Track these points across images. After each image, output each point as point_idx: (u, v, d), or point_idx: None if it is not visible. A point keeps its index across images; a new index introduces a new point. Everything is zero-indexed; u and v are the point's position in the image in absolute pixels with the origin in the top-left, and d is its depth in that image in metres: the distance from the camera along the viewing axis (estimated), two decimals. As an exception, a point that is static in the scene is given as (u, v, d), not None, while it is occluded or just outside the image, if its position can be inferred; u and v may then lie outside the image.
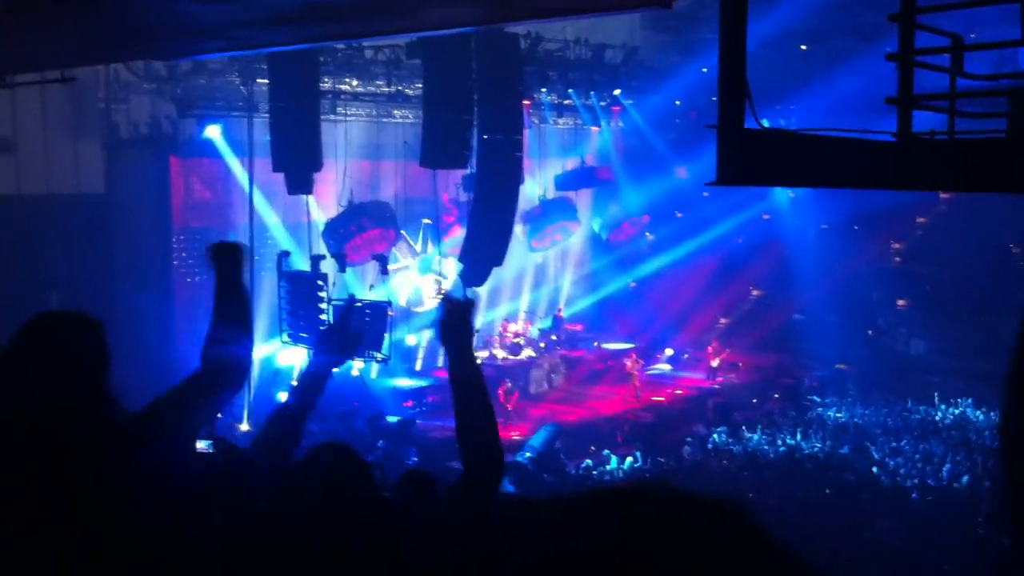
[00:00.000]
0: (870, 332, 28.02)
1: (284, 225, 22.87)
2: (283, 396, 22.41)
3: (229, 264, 4.10)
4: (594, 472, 19.04)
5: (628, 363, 25.49)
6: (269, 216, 22.93)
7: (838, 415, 22.52)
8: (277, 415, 4.00)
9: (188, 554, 2.77)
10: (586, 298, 30.55)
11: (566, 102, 25.56)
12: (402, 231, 24.21)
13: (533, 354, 27.10)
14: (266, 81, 18.50)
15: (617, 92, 25.50)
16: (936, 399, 22.74)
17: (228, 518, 3.19)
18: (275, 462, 3.64)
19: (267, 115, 18.29)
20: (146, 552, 2.70)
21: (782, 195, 27.68)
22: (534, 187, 25.98)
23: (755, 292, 30.11)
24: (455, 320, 3.70)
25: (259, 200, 21.52)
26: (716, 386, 26.24)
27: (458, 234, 23.68)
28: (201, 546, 2.83)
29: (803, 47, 21.52)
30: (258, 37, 7.10)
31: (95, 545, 2.64)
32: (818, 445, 20.04)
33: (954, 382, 23.50)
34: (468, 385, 3.65)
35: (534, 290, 30.00)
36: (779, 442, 20.38)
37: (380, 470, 3.23)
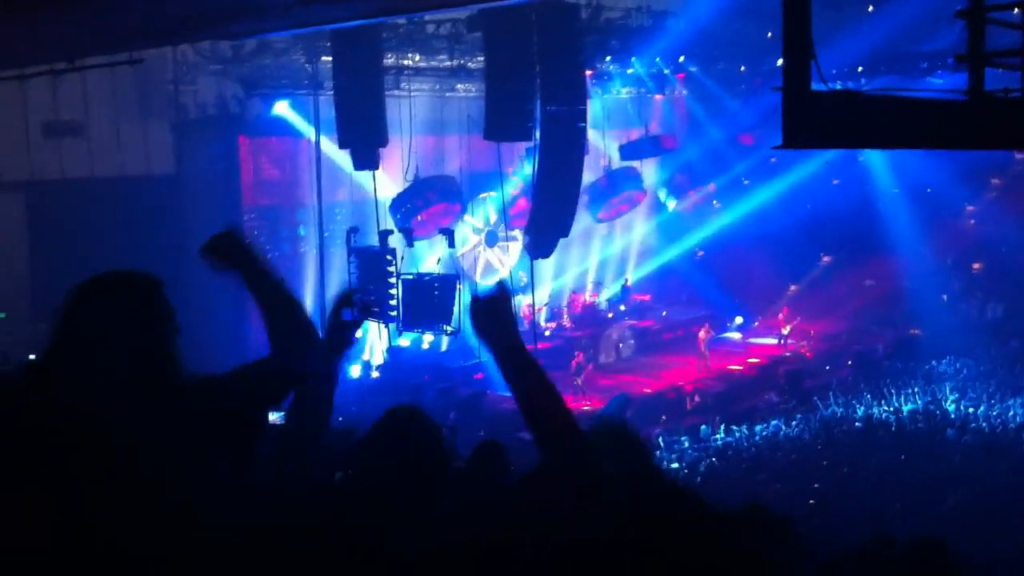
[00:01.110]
0: (944, 297, 27.48)
1: (352, 201, 23.06)
2: (352, 371, 22.84)
3: (237, 258, 3.56)
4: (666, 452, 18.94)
5: (700, 332, 25.28)
6: (337, 192, 23.15)
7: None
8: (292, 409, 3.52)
9: (264, 521, 2.79)
10: (653, 267, 30.38)
11: (629, 71, 25.33)
12: (468, 204, 24.30)
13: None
14: (330, 58, 18.61)
15: (681, 59, 25.20)
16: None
17: (301, 488, 3.24)
18: (348, 431, 3.64)
19: (332, 92, 18.40)
20: (219, 521, 2.70)
21: (851, 159, 27.24)
22: (599, 157, 25.86)
23: (825, 258, 29.69)
24: (489, 319, 3.17)
25: (327, 176, 21.73)
26: (787, 354, 25.97)
27: (524, 206, 23.71)
28: (275, 514, 2.85)
29: (870, 8, 21.06)
30: (319, 13, 7.15)
31: (159, 506, 2.63)
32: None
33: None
34: (529, 392, 3.08)
35: (601, 260, 29.92)
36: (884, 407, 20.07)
37: (452, 432, 3.25)
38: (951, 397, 20.03)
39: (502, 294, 3.21)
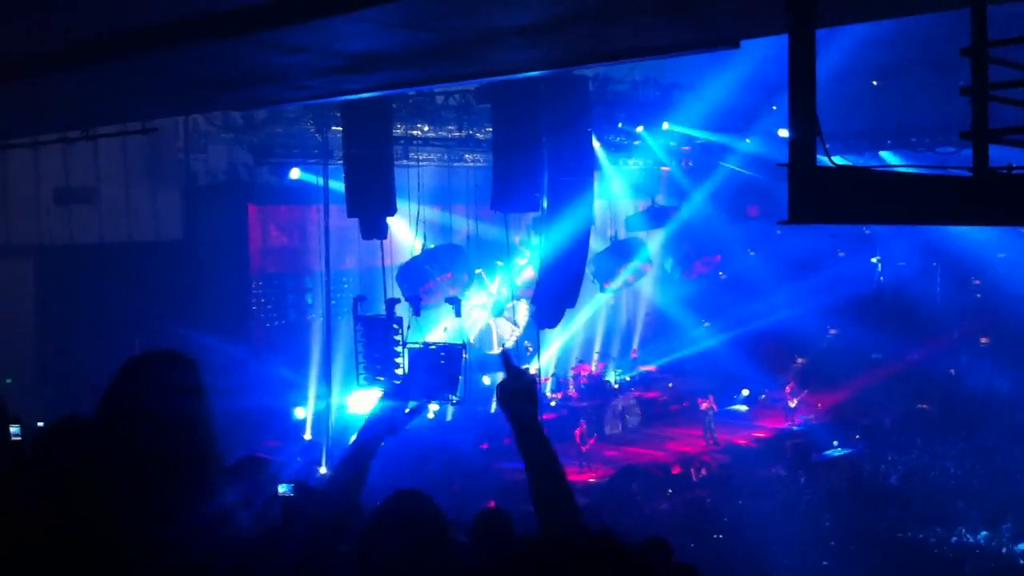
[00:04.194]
0: (952, 371, 27.35)
1: (359, 269, 23.15)
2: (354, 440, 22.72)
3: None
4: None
5: (704, 404, 25.18)
6: (345, 260, 23.27)
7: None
8: (349, 459, 3.76)
9: None
10: (659, 338, 30.33)
11: (635, 143, 25.55)
12: (475, 273, 24.37)
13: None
14: (340, 128, 18.81)
15: (690, 132, 25.42)
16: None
17: (307, 558, 3.24)
18: (352, 505, 3.66)
19: (341, 162, 18.58)
20: None
21: (857, 230, 27.31)
22: (605, 228, 25.98)
23: (832, 331, 29.62)
24: (519, 395, 3.42)
25: (335, 244, 21.85)
26: (794, 427, 25.78)
27: (530, 276, 23.78)
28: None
29: (874, 82, 21.27)
30: (331, 85, 7.27)
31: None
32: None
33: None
34: (540, 467, 3.33)
35: (607, 331, 29.89)
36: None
37: (457, 515, 3.27)
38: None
39: (529, 381, 3.46)
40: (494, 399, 3.60)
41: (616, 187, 26.51)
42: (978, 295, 28.23)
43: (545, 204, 16.45)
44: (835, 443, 23.94)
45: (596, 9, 5.13)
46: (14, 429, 4.73)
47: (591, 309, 28.14)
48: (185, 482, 2.81)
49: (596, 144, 20.94)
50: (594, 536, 2.02)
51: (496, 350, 26.10)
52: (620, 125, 23.29)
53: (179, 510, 2.74)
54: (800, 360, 29.06)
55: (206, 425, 2.97)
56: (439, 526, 3.22)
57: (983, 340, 27.78)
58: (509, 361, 3.53)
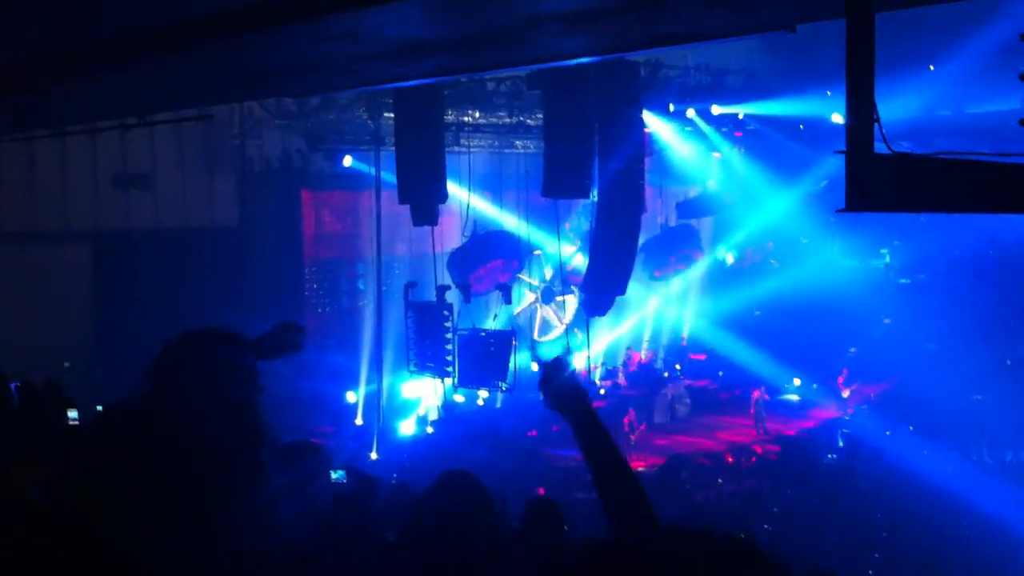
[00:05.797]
0: (1008, 362, 26.86)
1: (410, 255, 23.26)
2: (406, 426, 22.86)
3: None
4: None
5: (755, 393, 24.99)
6: (396, 246, 23.38)
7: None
8: None
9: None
10: (710, 326, 30.14)
11: (687, 128, 25.37)
12: (533, 254, 24.37)
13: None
14: (392, 115, 18.88)
15: (740, 116, 25.19)
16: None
17: (357, 550, 3.25)
18: (402, 487, 3.68)
19: (393, 148, 18.65)
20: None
21: (913, 218, 26.90)
22: (656, 215, 25.84)
23: (886, 320, 29.24)
24: (559, 395, 3.37)
25: (386, 230, 21.95)
26: (847, 417, 25.50)
27: (580, 263, 23.72)
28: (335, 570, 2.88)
29: (931, 67, 20.93)
30: (381, 72, 7.29)
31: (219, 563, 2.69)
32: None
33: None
34: (599, 461, 3.27)
35: (657, 319, 29.77)
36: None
37: (502, 500, 3.25)
38: None
39: (563, 368, 3.39)
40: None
41: (668, 173, 26.34)
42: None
43: (596, 191, 16.39)
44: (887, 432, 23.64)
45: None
46: (72, 414, 4.80)
47: (641, 296, 28.01)
48: (237, 463, 2.82)
49: (648, 130, 20.81)
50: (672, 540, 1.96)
51: (539, 336, 26.11)
52: (672, 109, 23.12)
53: (231, 493, 2.75)
54: (853, 350, 28.72)
55: (255, 404, 2.96)
56: (485, 507, 3.22)
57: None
58: (550, 371, 3.44)
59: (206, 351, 3.00)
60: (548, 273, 26.40)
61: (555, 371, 3.40)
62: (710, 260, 29.11)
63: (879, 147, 4.18)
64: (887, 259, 29.12)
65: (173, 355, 2.98)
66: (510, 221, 24.15)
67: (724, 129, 25.88)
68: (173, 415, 2.84)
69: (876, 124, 4.13)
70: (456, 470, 3.39)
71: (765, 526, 17.20)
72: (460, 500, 3.18)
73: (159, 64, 6.64)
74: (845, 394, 26.22)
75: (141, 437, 2.84)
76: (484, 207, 23.69)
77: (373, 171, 21.43)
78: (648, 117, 20.70)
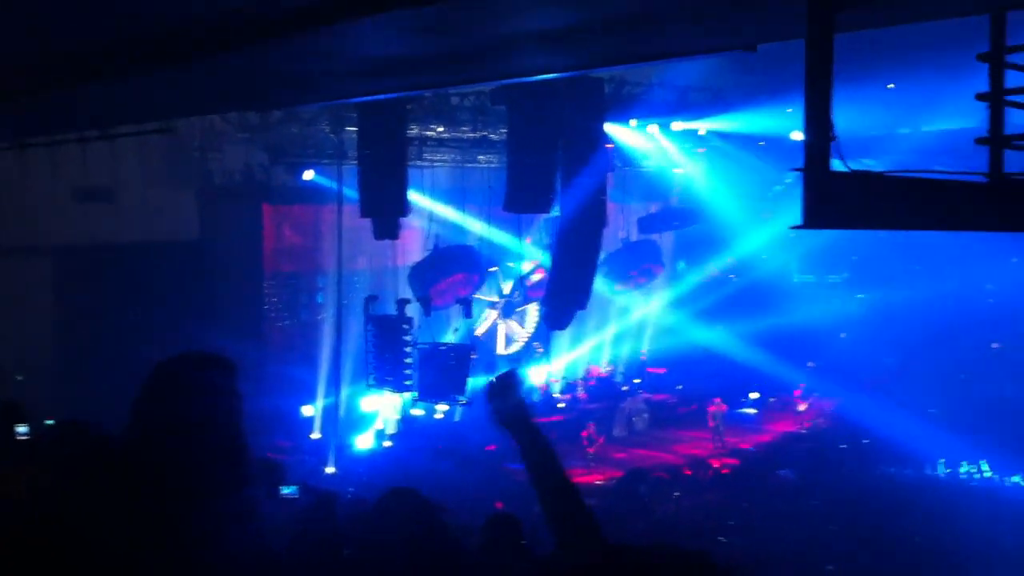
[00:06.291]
0: (962, 376, 27.26)
1: (371, 269, 23.21)
2: (364, 440, 22.77)
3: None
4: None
5: (712, 408, 25.18)
6: (357, 260, 23.33)
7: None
8: None
9: None
10: (670, 341, 30.32)
11: (650, 145, 25.53)
12: (490, 271, 24.41)
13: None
14: (355, 128, 18.87)
15: (702, 132, 25.39)
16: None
17: (314, 565, 3.27)
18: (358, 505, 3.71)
19: (356, 162, 18.63)
20: None
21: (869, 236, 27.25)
22: (617, 230, 25.99)
23: (843, 335, 29.57)
24: (503, 403, 3.40)
25: (347, 244, 21.90)
26: (803, 431, 25.76)
27: (541, 277, 23.80)
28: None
29: (890, 86, 21.23)
30: (352, 88, 7.31)
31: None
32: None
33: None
34: (541, 465, 3.33)
35: (617, 333, 29.90)
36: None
37: (447, 513, 3.26)
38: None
39: (514, 379, 3.40)
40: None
41: (629, 189, 26.50)
42: (990, 300, 28.12)
43: (558, 206, 16.49)
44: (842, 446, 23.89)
45: (619, 15, 5.17)
46: (21, 429, 4.76)
47: (602, 311, 28.14)
48: (220, 487, 2.84)
49: (610, 145, 20.95)
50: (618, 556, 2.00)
51: (503, 350, 26.14)
52: (635, 125, 23.29)
53: (211, 515, 2.77)
54: (811, 364, 29.01)
55: (240, 429, 2.99)
56: (429, 524, 3.24)
57: (994, 345, 27.68)
58: (495, 387, 3.45)
59: (196, 373, 3.02)
60: (507, 288, 26.44)
61: (501, 388, 3.42)
62: (671, 274, 29.32)
63: (836, 165, 4.27)
64: (845, 275, 29.50)
65: (164, 376, 2.99)
66: (472, 236, 24.20)
67: (686, 145, 26.09)
68: (158, 438, 2.85)
69: (833, 142, 4.23)
70: (400, 488, 3.42)
71: (722, 539, 17.32)
72: (402, 519, 3.20)
73: (123, 80, 6.63)
74: (802, 408, 26.47)
75: (94, 456, 2.84)
76: (446, 221, 23.71)
77: (335, 185, 21.38)
78: (612, 129, 20.85)
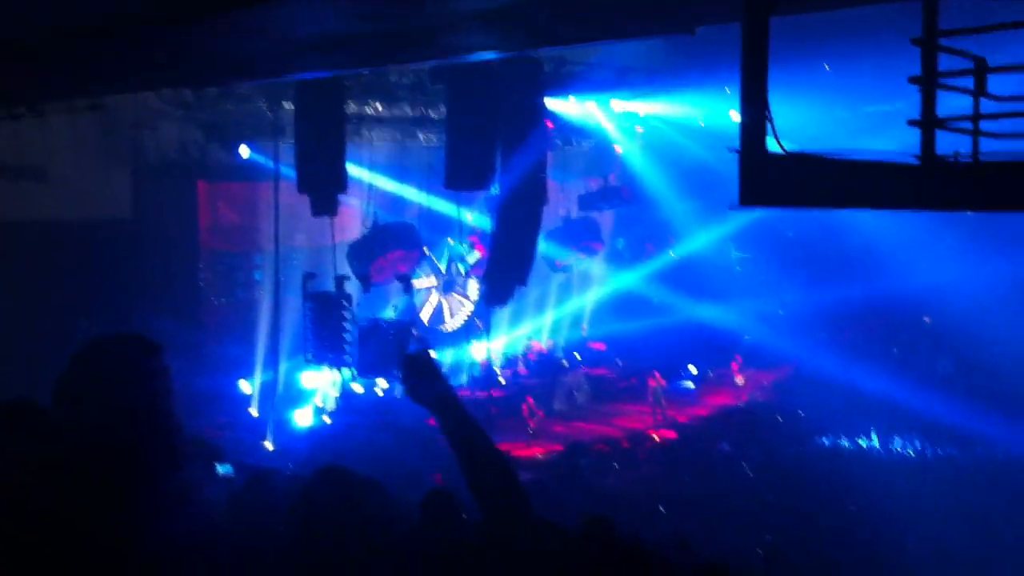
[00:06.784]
0: (895, 350, 27.84)
1: (309, 247, 23.01)
2: (303, 416, 22.66)
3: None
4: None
5: (652, 382, 25.41)
6: (294, 237, 23.13)
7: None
8: None
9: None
10: (608, 316, 30.56)
11: (589, 123, 25.60)
12: (426, 252, 24.35)
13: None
14: (292, 105, 18.67)
15: (641, 113, 25.51)
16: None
17: (250, 543, 3.27)
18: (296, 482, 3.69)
19: (293, 140, 18.44)
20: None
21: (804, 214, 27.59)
22: (557, 207, 26.07)
23: (780, 311, 30.02)
24: (420, 377, 3.46)
25: (284, 221, 21.69)
26: (741, 404, 26.13)
27: (481, 254, 23.80)
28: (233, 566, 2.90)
29: (826, 66, 21.48)
30: (283, 67, 7.24)
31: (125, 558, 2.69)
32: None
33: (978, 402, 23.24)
34: (462, 437, 3.38)
35: (558, 309, 30.05)
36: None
37: (377, 488, 3.26)
38: None
39: (426, 359, 3.44)
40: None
41: (569, 167, 26.58)
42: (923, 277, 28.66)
43: (498, 184, 16.48)
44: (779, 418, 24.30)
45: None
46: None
47: (542, 287, 28.27)
48: (151, 469, 2.82)
49: (550, 124, 20.97)
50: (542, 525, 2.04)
51: (449, 325, 26.14)
52: (573, 102, 23.32)
53: (144, 497, 2.76)
54: (747, 337, 29.42)
55: (170, 410, 2.97)
56: (366, 501, 3.25)
57: (926, 319, 28.28)
58: (409, 366, 3.49)
59: (118, 355, 2.97)
60: (452, 266, 26.42)
61: (414, 368, 3.45)
62: (610, 251, 29.50)
63: (772, 145, 4.33)
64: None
65: (87, 358, 2.95)
66: (411, 212, 24.09)
67: (625, 124, 26.19)
68: (82, 417, 2.82)
69: (769, 123, 4.28)
70: (331, 467, 3.42)
71: (661, 509, 17.57)
72: (332, 499, 3.20)
73: (54, 59, 6.49)
74: (740, 381, 26.84)
75: (53, 437, 2.82)
76: (386, 198, 23.58)
77: (272, 162, 21.14)
78: (553, 104, 20.87)
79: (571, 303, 30.48)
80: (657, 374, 25.62)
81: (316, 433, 21.96)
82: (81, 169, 19.72)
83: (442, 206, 22.60)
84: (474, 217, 25.26)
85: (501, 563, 3.09)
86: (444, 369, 3.52)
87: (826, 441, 21.79)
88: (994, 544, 15.28)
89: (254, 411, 22.51)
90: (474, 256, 25.89)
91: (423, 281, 25.84)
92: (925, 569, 14.07)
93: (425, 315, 25.93)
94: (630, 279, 29.88)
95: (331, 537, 3.01)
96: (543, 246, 22.49)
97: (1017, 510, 16.68)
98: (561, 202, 26.38)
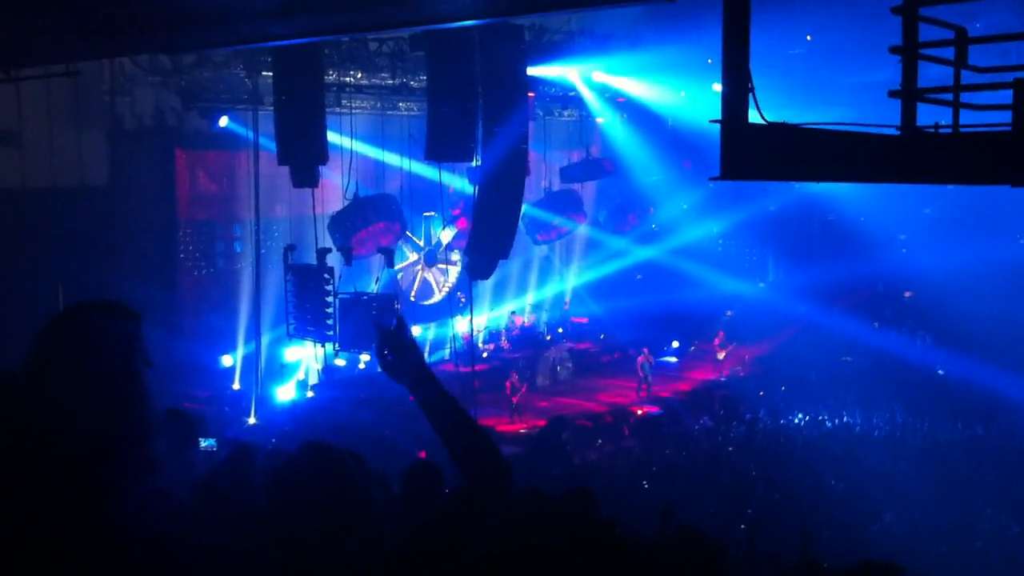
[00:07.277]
0: (876, 324, 27.91)
1: (290, 218, 22.84)
2: (285, 391, 22.57)
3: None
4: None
5: (641, 358, 25.25)
6: (275, 208, 22.96)
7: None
8: None
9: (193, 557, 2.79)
10: (591, 290, 30.54)
11: (571, 93, 25.47)
12: (407, 224, 24.22)
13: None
14: (271, 74, 18.47)
15: (622, 83, 25.38)
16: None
17: (231, 516, 3.19)
18: (278, 456, 3.61)
19: (272, 108, 18.25)
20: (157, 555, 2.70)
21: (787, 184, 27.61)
22: (539, 179, 25.96)
23: (761, 284, 30.08)
24: (393, 351, 3.47)
25: (265, 192, 21.50)
26: (722, 378, 26.17)
27: (464, 227, 23.69)
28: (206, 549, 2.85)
29: (808, 37, 21.40)
30: (261, 30, 7.10)
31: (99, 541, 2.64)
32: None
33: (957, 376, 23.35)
34: (439, 410, 3.45)
35: (540, 282, 30.00)
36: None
37: (359, 462, 3.19)
38: None
39: (398, 327, 3.43)
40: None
41: (551, 138, 26.43)
42: (903, 251, 28.76)
43: (479, 155, 16.35)
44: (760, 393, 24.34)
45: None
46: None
47: (525, 260, 28.20)
48: (124, 441, 2.75)
49: (531, 94, 20.82)
50: (520, 491, 2.03)
51: (436, 297, 26.05)
52: (554, 73, 23.18)
53: (117, 470, 2.70)
54: (729, 313, 29.45)
55: (141, 380, 2.89)
56: (348, 476, 3.18)
57: (907, 294, 28.35)
58: (381, 329, 3.48)
59: (92, 322, 2.89)
60: (432, 236, 26.29)
61: (388, 345, 3.44)
62: (593, 224, 29.42)
63: (754, 116, 4.26)
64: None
65: (58, 325, 2.87)
66: (393, 184, 23.91)
67: (607, 95, 26.08)
68: (56, 383, 2.75)
69: (751, 94, 4.20)
70: (314, 440, 3.35)
71: (644, 484, 17.59)
72: (314, 474, 3.13)
73: (25, 20, 6.35)
74: (721, 356, 26.89)
75: (23, 404, 2.76)
76: (367, 169, 23.38)
77: (251, 132, 20.92)
78: (536, 72, 20.72)
79: (553, 276, 30.47)
80: (646, 350, 25.53)
81: (299, 407, 21.87)
82: (56, 135, 19.44)
83: (425, 171, 22.33)
84: (456, 189, 25.12)
85: (482, 532, 3.08)
86: (420, 343, 3.53)
87: (807, 416, 21.85)
88: (970, 517, 15.37)
89: (236, 385, 22.41)
90: (456, 228, 25.76)
91: (406, 254, 25.73)
92: (903, 542, 14.13)
93: (412, 292, 25.84)
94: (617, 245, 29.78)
95: (313, 512, 2.95)
96: (525, 218, 22.38)
97: (994, 484, 16.79)
98: (543, 174, 26.27)
